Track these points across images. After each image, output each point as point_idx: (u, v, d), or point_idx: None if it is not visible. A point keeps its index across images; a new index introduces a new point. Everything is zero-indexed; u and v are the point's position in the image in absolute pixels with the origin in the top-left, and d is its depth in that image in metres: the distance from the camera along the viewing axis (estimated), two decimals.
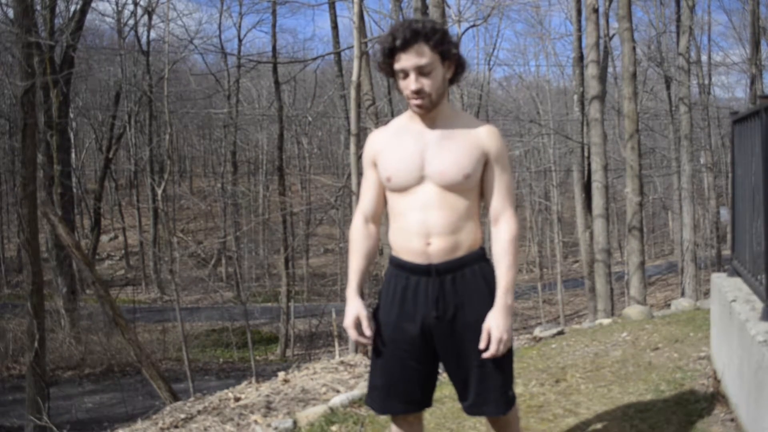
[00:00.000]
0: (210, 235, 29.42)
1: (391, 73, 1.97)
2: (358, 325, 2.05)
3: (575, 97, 16.57)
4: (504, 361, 2.02)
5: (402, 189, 2.00)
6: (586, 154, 14.30)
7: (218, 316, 18.33)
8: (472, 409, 2.07)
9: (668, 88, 20.72)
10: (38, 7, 13.74)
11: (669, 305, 5.95)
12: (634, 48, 11.09)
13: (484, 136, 2.01)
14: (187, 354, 10.16)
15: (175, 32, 22.16)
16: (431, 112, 1.98)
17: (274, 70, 19.89)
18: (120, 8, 23.97)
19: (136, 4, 23.45)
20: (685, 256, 16.58)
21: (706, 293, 15.25)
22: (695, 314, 5.06)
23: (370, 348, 2.07)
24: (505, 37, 71.01)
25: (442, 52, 1.92)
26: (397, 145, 2.02)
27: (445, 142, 1.99)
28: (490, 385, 2.01)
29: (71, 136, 24.04)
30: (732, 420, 2.85)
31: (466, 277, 2.00)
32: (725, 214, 20.68)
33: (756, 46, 17.00)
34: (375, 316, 2.11)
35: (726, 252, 19.06)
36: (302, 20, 78.56)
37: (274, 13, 20.73)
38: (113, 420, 7.33)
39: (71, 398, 11.28)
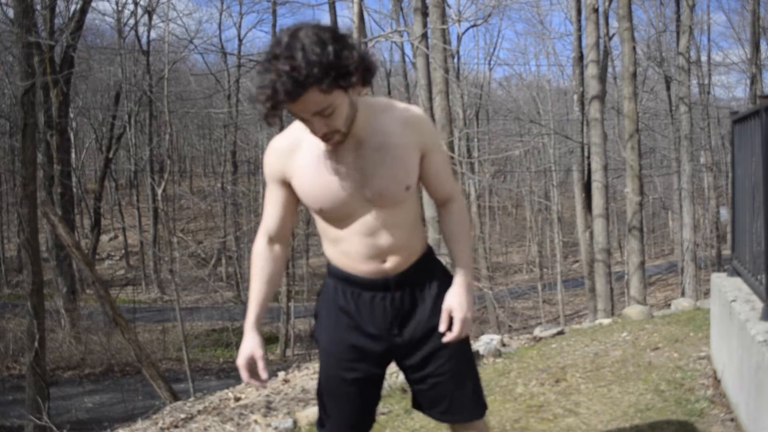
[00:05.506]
0: (210, 235, 29.41)
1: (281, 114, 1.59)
2: (251, 366, 1.79)
3: (575, 97, 16.56)
4: (470, 361, 1.91)
5: (338, 219, 1.76)
6: (586, 154, 14.30)
7: (218, 316, 18.35)
8: (445, 416, 1.92)
9: (668, 88, 20.73)
10: (38, 7, 13.73)
11: (669, 305, 5.94)
12: (634, 48, 11.09)
13: (415, 128, 1.74)
14: (187, 354, 10.15)
15: (175, 32, 22.12)
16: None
17: None
18: (120, 8, 23.91)
19: (136, 3, 23.44)
20: (685, 256, 16.57)
21: (706, 293, 15.24)
22: (695, 314, 5.05)
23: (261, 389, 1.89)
24: (505, 37, 71.04)
25: (343, 86, 1.54)
26: (321, 170, 1.71)
27: (378, 155, 1.70)
28: (463, 391, 1.89)
29: (71, 136, 24.02)
30: (732, 420, 2.85)
31: (423, 283, 1.85)
32: (725, 214, 20.68)
33: (756, 46, 17.02)
34: (315, 337, 1.92)
35: (726, 252, 19.05)
36: (302, 20, 78.50)
37: (274, 12, 20.76)
38: (113, 420, 7.32)
39: (71, 398, 11.29)
